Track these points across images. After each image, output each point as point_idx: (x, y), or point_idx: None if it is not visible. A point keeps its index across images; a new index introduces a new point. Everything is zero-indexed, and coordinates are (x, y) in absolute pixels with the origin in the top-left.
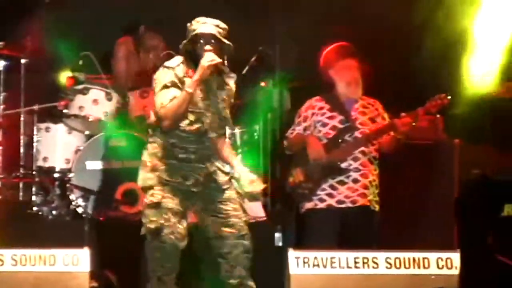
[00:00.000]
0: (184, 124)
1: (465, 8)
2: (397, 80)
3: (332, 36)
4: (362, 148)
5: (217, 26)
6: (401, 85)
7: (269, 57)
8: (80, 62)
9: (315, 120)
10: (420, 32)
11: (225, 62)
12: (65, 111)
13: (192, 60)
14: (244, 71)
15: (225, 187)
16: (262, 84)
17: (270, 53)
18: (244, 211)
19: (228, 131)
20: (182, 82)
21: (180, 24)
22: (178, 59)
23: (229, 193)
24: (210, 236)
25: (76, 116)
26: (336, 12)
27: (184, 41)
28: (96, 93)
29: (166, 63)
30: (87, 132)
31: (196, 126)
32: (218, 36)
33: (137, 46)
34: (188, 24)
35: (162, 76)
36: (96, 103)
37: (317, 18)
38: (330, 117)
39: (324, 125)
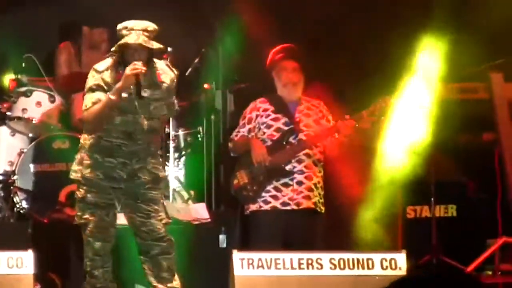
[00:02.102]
0: (111, 124)
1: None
2: (344, 81)
3: (278, 37)
4: (307, 150)
5: (145, 30)
6: (348, 86)
7: (212, 58)
8: (23, 64)
9: (260, 121)
10: (369, 34)
11: (167, 60)
12: (8, 113)
13: (123, 63)
14: (187, 73)
15: (148, 186)
16: (205, 85)
17: (213, 55)
18: (166, 214)
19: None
20: (109, 86)
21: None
22: (106, 63)
23: (153, 194)
24: (133, 233)
25: (19, 118)
26: (282, 12)
27: (112, 48)
28: (39, 95)
29: (95, 66)
30: (30, 135)
31: (122, 128)
32: (145, 44)
33: (78, 48)
34: (118, 27)
35: (90, 79)
36: (39, 105)
37: (264, 18)
38: (275, 119)
39: (269, 127)
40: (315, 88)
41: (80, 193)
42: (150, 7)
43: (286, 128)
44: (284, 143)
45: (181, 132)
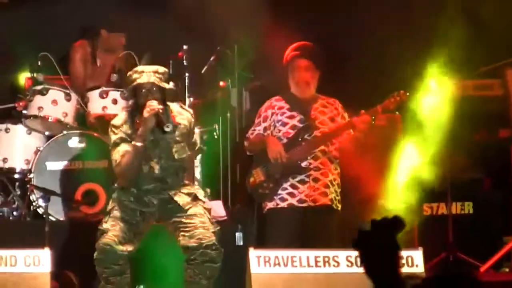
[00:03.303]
0: (140, 176)
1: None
2: (358, 78)
3: (294, 34)
4: (322, 147)
5: (155, 72)
6: (362, 84)
7: (228, 56)
8: (39, 63)
9: (275, 119)
10: (381, 31)
11: (179, 102)
12: (24, 111)
13: (137, 111)
14: (203, 71)
15: (187, 207)
16: (221, 83)
17: (228, 53)
18: (212, 223)
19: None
20: (131, 137)
21: (140, 24)
22: (122, 116)
23: (194, 210)
24: (178, 245)
25: (35, 116)
26: (297, 9)
27: (126, 93)
28: (55, 93)
29: (112, 122)
30: (47, 133)
31: (151, 176)
32: (157, 83)
33: (94, 49)
34: (128, 74)
35: (111, 136)
36: (55, 103)
37: (281, 15)
38: (290, 117)
39: (284, 124)
40: (329, 86)
41: (109, 206)
42: (163, 7)
43: (301, 125)
44: (300, 140)
45: (196, 130)
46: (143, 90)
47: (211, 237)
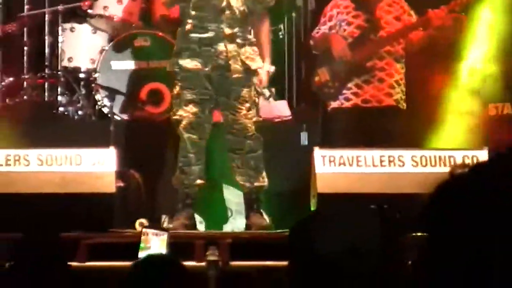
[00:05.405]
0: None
1: None
2: None
3: None
4: (388, 47)
5: None
6: None
7: None
8: None
9: (340, 19)
10: None
11: None
12: (89, 11)
13: None
14: None
15: (243, 83)
16: None
17: None
18: (258, 111)
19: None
20: None
21: None
22: None
23: (245, 91)
24: (225, 131)
25: (100, 16)
26: None
27: None
28: None
29: None
30: (111, 32)
31: (211, 9)
32: None
33: None
34: None
35: None
36: (120, 2)
37: None
38: (355, 16)
39: (349, 24)
40: None
41: (175, 90)
42: None
43: (366, 25)
44: (365, 39)
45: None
46: None
47: (251, 127)
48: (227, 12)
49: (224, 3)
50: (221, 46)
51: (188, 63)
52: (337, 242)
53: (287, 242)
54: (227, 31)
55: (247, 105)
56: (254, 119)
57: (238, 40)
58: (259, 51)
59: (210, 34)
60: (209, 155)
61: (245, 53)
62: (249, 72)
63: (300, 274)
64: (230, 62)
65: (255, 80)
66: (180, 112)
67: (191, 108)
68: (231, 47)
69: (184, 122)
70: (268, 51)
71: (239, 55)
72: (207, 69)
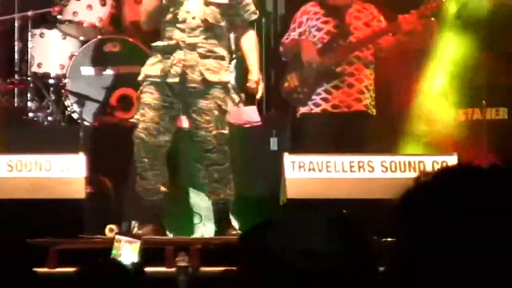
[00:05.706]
0: (166, 22)
1: None
2: None
3: None
4: (357, 53)
5: None
6: None
7: None
8: None
9: (310, 25)
10: None
11: None
12: (59, 16)
13: None
14: None
15: (201, 94)
16: None
17: None
18: (219, 123)
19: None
20: None
21: None
22: None
23: (204, 103)
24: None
25: (70, 21)
26: None
27: None
28: None
29: None
30: (81, 38)
31: (174, 23)
32: None
33: None
34: None
35: None
36: (90, 8)
37: None
38: (325, 22)
39: (319, 30)
40: None
41: (138, 93)
42: None
43: (336, 31)
44: (334, 45)
45: (232, 35)
46: None
47: (211, 140)
48: (191, 21)
49: (190, 13)
50: (180, 54)
51: (150, 70)
52: (292, 244)
53: (239, 246)
54: (188, 40)
55: (207, 117)
56: (215, 132)
57: (200, 51)
58: (247, 63)
59: (172, 42)
60: (178, 160)
61: (206, 65)
62: (209, 84)
63: (253, 277)
64: (187, 71)
65: (218, 93)
66: (137, 116)
67: (147, 112)
68: (190, 56)
69: (140, 126)
70: (254, 64)
71: (197, 65)
72: (167, 76)
